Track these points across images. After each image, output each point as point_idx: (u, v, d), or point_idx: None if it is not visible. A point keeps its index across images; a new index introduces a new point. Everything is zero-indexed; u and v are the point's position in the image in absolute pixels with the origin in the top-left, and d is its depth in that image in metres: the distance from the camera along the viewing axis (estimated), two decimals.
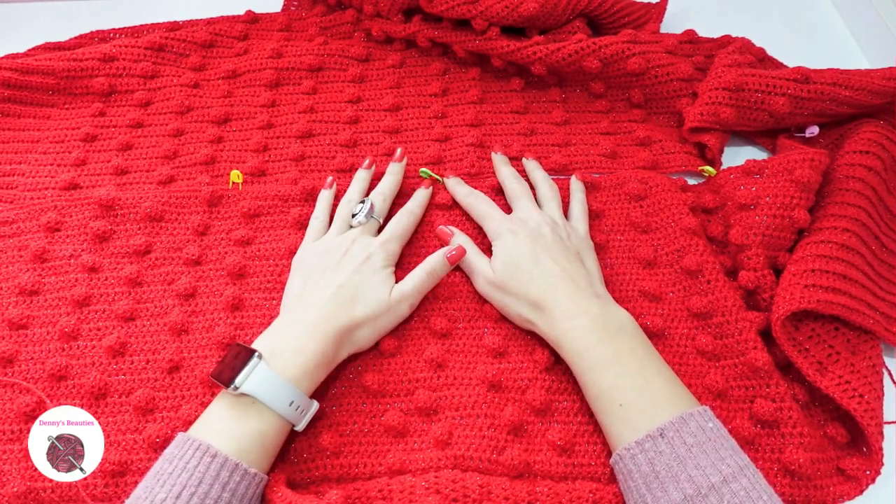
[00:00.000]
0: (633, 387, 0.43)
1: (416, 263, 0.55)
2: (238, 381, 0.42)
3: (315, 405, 0.46)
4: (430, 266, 0.51)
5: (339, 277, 0.49)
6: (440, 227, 0.57)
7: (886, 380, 0.49)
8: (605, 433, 0.45)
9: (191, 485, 0.39)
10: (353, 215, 0.55)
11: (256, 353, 0.43)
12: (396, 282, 0.51)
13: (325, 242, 0.53)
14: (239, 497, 0.40)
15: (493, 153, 0.61)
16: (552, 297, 0.48)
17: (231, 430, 0.41)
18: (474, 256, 0.54)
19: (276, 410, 0.42)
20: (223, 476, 0.39)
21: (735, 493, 0.38)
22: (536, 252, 0.50)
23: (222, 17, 0.75)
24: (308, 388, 0.45)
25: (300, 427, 0.45)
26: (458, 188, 0.59)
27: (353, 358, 0.51)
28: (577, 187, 0.59)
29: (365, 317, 0.48)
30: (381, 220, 0.56)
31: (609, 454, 0.46)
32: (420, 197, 0.58)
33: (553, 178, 0.59)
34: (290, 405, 0.43)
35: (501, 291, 0.51)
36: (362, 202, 0.55)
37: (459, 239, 0.55)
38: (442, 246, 0.56)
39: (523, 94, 0.68)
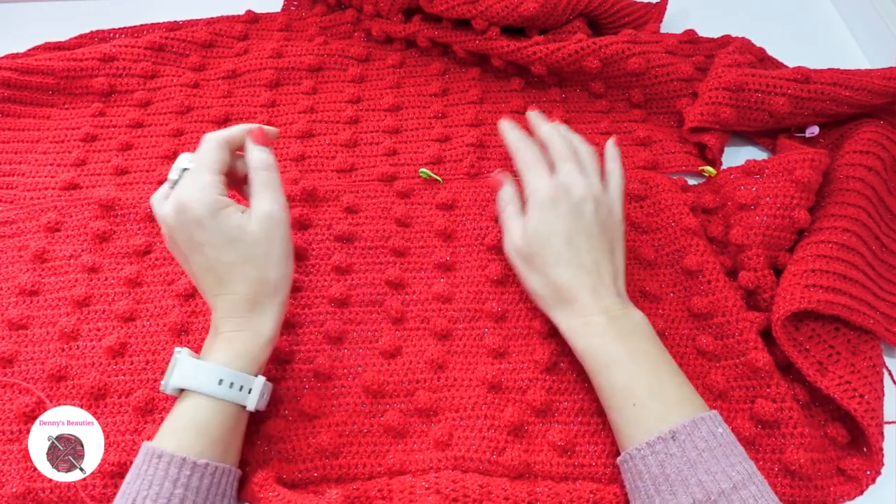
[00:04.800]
0: (647, 387, 0.43)
1: (418, 264, 0.55)
2: (164, 379, 0.43)
3: (261, 381, 0.43)
4: (259, 162, 0.46)
5: (199, 260, 0.44)
6: (495, 172, 0.54)
7: (887, 380, 0.49)
8: (614, 432, 0.45)
9: (142, 489, 0.39)
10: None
11: (177, 350, 0.43)
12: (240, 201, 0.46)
13: (165, 222, 0.45)
14: (194, 489, 0.39)
15: (530, 112, 0.55)
16: (574, 289, 0.46)
17: (170, 426, 0.42)
18: (511, 216, 0.51)
19: (207, 393, 0.41)
20: (172, 473, 0.39)
21: (745, 501, 0.38)
22: (572, 233, 0.47)
23: (222, 17, 0.74)
24: (248, 367, 0.43)
25: (252, 407, 0.43)
26: (510, 133, 0.53)
27: (354, 358, 0.51)
28: (613, 155, 0.53)
29: (257, 269, 0.44)
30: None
31: (610, 454, 0.46)
32: (235, 128, 0.48)
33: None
34: (221, 384, 0.42)
35: (525, 262, 0.49)
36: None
37: (507, 192, 0.52)
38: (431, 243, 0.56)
39: (523, 94, 0.68)
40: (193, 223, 0.43)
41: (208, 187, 0.44)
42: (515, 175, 0.53)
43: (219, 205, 0.43)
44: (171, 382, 0.42)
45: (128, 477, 0.40)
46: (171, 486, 0.39)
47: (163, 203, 0.45)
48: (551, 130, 0.53)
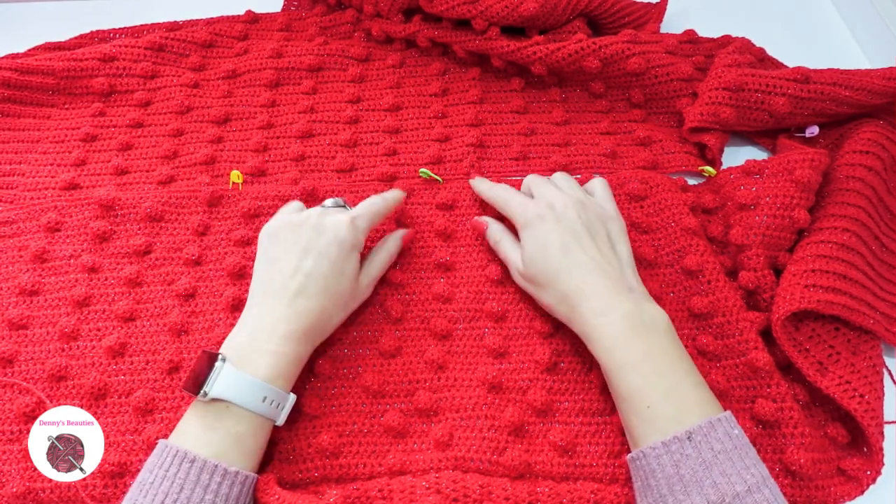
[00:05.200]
0: (662, 389, 0.42)
1: (418, 264, 0.55)
2: (206, 387, 0.42)
3: (292, 398, 0.45)
4: (390, 248, 0.54)
5: (307, 264, 0.47)
6: (475, 217, 0.57)
7: (887, 380, 0.49)
8: (626, 432, 0.45)
9: (172, 492, 0.39)
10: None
11: (220, 357, 0.43)
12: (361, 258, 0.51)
13: (293, 216, 0.51)
14: (223, 497, 0.40)
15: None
16: (581, 292, 0.46)
17: (207, 436, 0.41)
18: (508, 246, 0.53)
19: (250, 409, 0.42)
20: (203, 479, 0.39)
21: None
22: (565, 241, 0.48)
23: (222, 17, 0.74)
24: (283, 385, 0.44)
25: (281, 422, 0.44)
26: (481, 185, 0.58)
27: (354, 358, 0.51)
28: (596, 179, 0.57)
29: (334, 307, 0.48)
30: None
31: (610, 455, 0.46)
32: (396, 192, 0.56)
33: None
34: (264, 401, 0.42)
35: (532, 284, 0.50)
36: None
37: (494, 228, 0.55)
38: (435, 239, 0.56)
39: (523, 94, 0.68)
40: (335, 241, 0.48)
41: (363, 231, 0.51)
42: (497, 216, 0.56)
43: (359, 248, 0.50)
44: (213, 392, 0.42)
45: (148, 476, 0.40)
46: (203, 491, 0.39)
47: (315, 211, 0.51)
48: (529, 176, 0.56)
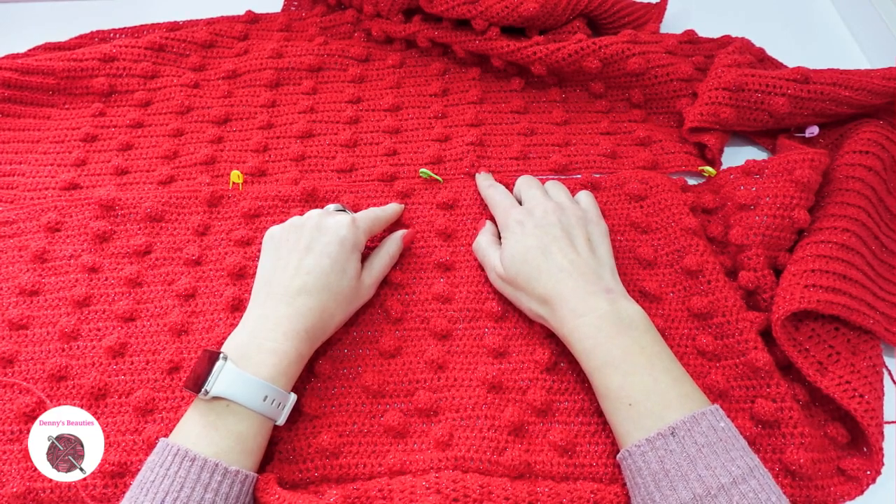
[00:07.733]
0: (641, 387, 0.43)
1: (418, 264, 0.56)
2: (208, 385, 0.42)
3: (293, 397, 0.45)
4: (392, 248, 0.54)
5: (309, 262, 0.48)
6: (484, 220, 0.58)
7: (886, 380, 0.49)
8: (613, 431, 0.45)
9: (173, 490, 0.39)
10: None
11: (222, 355, 0.43)
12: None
13: (296, 219, 0.52)
14: (223, 496, 0.40)
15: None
16: (560, 294, 0.47)
17: (208, 434, 0.41)
18: (488, 249, 0.53)
19: (251, 408, 0.42)
20: (204, 478, 0.39)
21: (744, 495, 0.38)
22: (544, 244, 0.49)
23: (222, 17, 0.75)
24: (285, 385, 0.44)
25: (282, 422, 0.44)
26: (482, 181, 0.60)
27: (354, 358, 0.51)
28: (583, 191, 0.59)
29: (336, 306, 0.48)
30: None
31: (610, 454, 0.46)
32: (395, 205, 0.58)
33: (553, 178, 0.59)
34: (265, 400, 0.42)
35: (511, 286, 0.51)
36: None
37: (484, 229, 0.56)
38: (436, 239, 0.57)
39: (523, 94, 0.68)
40: (336, 239, 0.49)
41: (364, 231, 0.52)
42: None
43: (360, 248, 0.51)
44: (214, 390, 0.42)
45: (149, 474, 0.40)
46: (203, 490, 0.39)
47: (317, 212, 0.52)
48: (522, 177, 0.58)
